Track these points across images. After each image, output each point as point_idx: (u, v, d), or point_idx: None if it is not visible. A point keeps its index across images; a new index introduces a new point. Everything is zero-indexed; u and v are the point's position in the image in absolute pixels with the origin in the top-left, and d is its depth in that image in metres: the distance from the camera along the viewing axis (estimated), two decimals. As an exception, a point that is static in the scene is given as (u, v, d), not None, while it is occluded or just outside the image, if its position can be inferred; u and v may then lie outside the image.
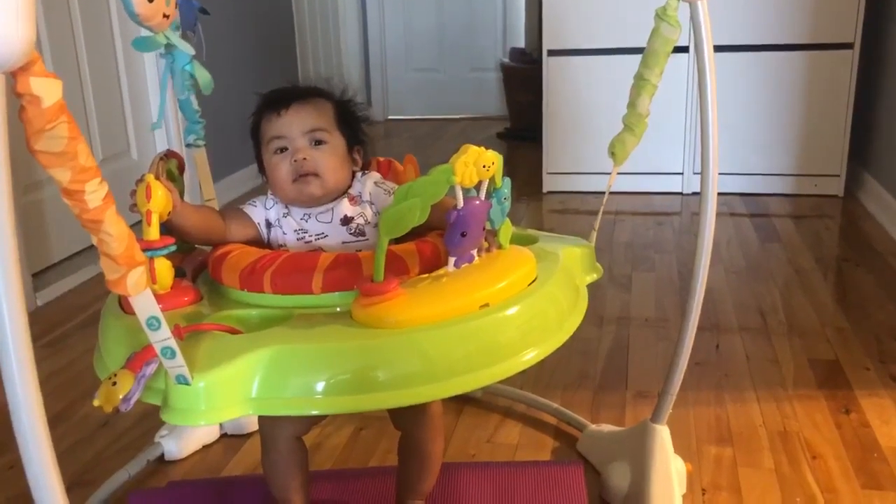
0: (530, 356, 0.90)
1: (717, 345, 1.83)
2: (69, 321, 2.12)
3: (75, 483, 1.36)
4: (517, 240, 1.03)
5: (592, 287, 1.12)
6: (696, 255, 1.15)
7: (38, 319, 2.12)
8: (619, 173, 1.18)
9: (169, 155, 1.13)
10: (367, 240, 1.06)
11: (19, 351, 0.61)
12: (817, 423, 1.49)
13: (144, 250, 0.89)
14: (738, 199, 3.02)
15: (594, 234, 1.20)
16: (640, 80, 1.10)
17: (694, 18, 1.05)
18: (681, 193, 3.17)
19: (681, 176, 3.18)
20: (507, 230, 0.97)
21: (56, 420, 1.58)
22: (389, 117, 5.35)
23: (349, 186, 1.08)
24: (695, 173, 3.12)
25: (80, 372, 1.80)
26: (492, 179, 0.90)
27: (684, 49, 2.99)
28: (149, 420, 1.52)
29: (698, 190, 1.14)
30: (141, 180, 0.94)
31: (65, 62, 2.49)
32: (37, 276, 2.30)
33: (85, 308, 2.18)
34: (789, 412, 1.53)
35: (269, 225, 1.08)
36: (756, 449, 1.42)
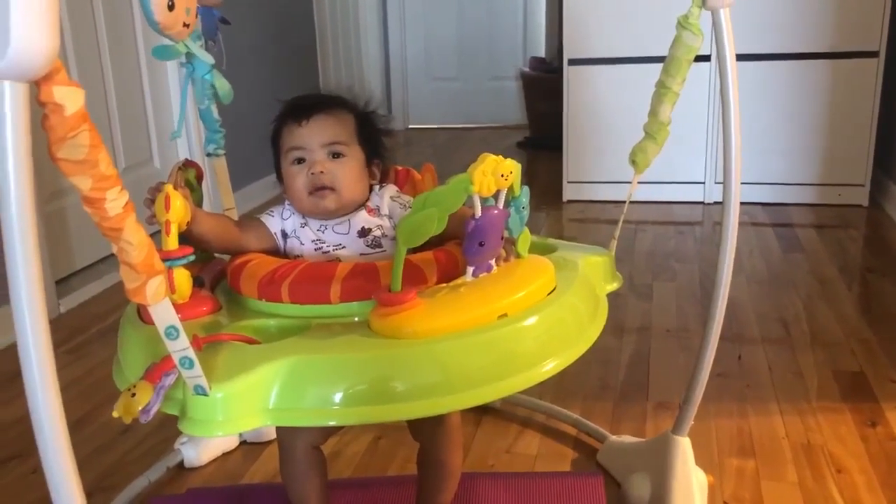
0: (550, 367, 0.90)
1: (740, 355, 1.81)
2: (91, 328, 2.13)
3: (96, 488, 1.36)
4: (536, 249, 1.02)
5: (613, 296, 1.11)
6: (718, 264, 1.13)
7: (61, 326, 2.14)
8: (639, 182, 1.17)
9: (187, 164, 1.13)
10: (384, 251, 1.05)
11: (41, 359, 0.61)
12: (842, 437, 1.47)
13: (163, 260, 0.89)
14: (761, 208, 2.99)
15: (614, 243, 1.19)
16: (661, 88, 1.10)
17: (716, 26, 1.04)
18: (702, 203, 3.14)
19: (702, 185, 3.16)
20: (525, 239, 0.96)
21: (77, 426, 1.59)
22: (410, 126, 5.36)
23: (367, 199, 1.08)
24: (716, 183, 3.10)
25: (101, 378, 1.81)
26: (510, 188, 0.89)
27: (706, 58, 2.98)
28: (168, 427, 1.53)
29: (720, 199, 1.13)
30: (157, 189, 0.95)
31: (89, 71, 2.52)
32: (60, 284, 2.33)
33: (107, 315, 2.19)
34: (813, 425, 1.51)
35: (285, 235, 1.08)
36: (779, 462, 1.40)
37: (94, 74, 2.55)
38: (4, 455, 1.51)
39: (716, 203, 3.07)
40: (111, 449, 1.52)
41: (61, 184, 2.33)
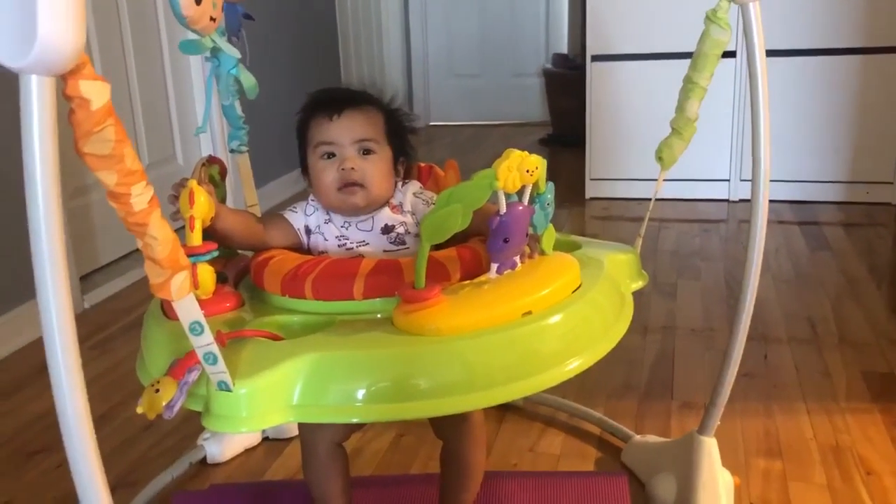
0: (574, 366, 0.89)
1: (766, 355, 1.79)
2: (115, 323, 2.15)
3: (120, 484, 1.37)
4: (560, 246, 1.01)
5: (637, 295, 1.09)
6: (746, 263, 1.12)
7: (85, 322, 2.16)
8: (665, 180, 1.15)
9: (211, 160, 1.13)
10: (407, 248, 1.05)
11: (67, 354, 0.61)
12: (871, 438, 1.44)
13: (187, 256, 0.89)
14: (787, 206, 2.96)
15: (639, 241, 1.18)
16: (688, 84, 1.08)
17: (745, 21, 1.03)
18: (727, 200, 3.11)
19: (727, 183, 3.12)
20: (550, 236, 0.95)
21: (101, 421, 1.60)
22: (431, 123, 5.35)
23: (391, 196, 1.08)
24: (742, 180, 3.07)
25: (125, 374, 1.82)
26: (535, 184, 0.88)
27: (731, 54, 2.95)
28: (192, 423, 1.53)
29: (745, 197, 1.12)
30: (181, 185, 0.95)
31: (113, 67, 2.53)
32: (84, 279, 2.34)
33: (130, 311, 2.21)
34: (842, 426, 1.49)
35: (308, 231, 1.08)
36: (807, 463, 1.38)
37: (119, 71, 2.57)
38: (31, 449, 1.53)
39: (741, 201, 3.04)
40: (135, 444, 1.53)
41: (85, 180, 2.34)
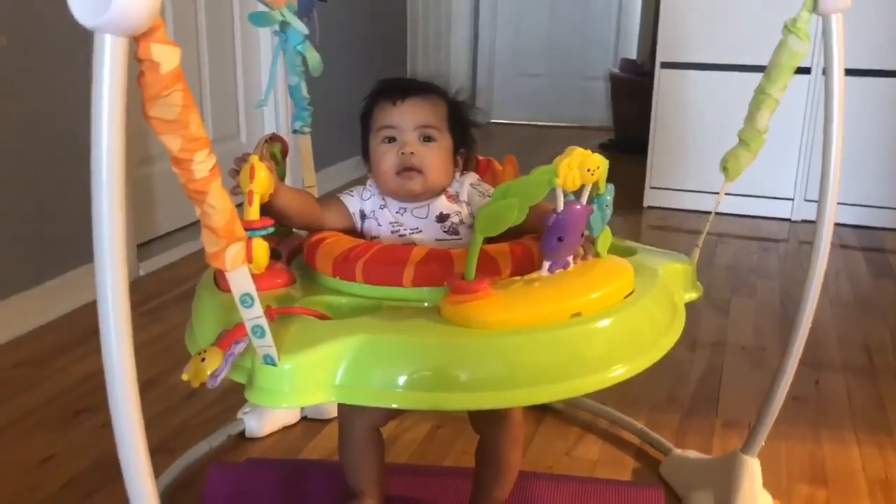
0: (619, 372, 0.87)
1: (817, 380, 1.74)
2: (168, 292, 2.19)
3: (159, 449, 1.39)
4: (615, 250, 1.00)
5: (688, 309, 1.07)
6: (805, 283, 1.09)
7: (139, 288, 2.20)
8: (726, 194, 1.13)
9: (273, 138, 1.14)
10: (460, 239, 1.04)
11: (118, 320, 0.61)
12: (923, 475, 1.39)
13: (243, 229, 0.90)
14: (851, 230, 2.87)
15: (696, 251, 1.15)
16: (760, 94, 1.05)
17: (826, 34, 1.00)
18: (789, 220, 3.03)
19: (791, 202, 3.04)
20: (606, 239, 0.94)
21: (147, 387, 1.63)
22: (492, 120, 5.33)
23: (448, 185, 1.07)
24: (806, 200, 2.99)
25: (173, 343, 1.85)
26: (595, 184, 0.87)
27: (806, 70, 2.88)
28: (233, 396, 1.55)
29: (809, 218, 1.09)
30: (242, 159, 0.96)
31: (185, 39, 2.58)
32: (141, 247, 2.40)
33: (184, 281, 2.25)
34: (893, 460, 1.44)
35: (363, 216, 1.08)
36: (853, 495, 1.34)
37: (190, 44, 2.61)
38: (77, 407, 1.57)
39: (804, 221, 2.96)
40: (177, 412, 1.55)
41: (150, 150, 2.39)
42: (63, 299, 1.99)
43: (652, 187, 3.20)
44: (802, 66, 1.02)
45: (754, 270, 2.48)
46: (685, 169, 3.12)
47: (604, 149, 4.40)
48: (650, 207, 3.18)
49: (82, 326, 1.94)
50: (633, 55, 4.86)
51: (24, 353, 1.82)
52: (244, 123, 2.91)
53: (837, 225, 2.49)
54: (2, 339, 1.85)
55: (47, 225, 1.98)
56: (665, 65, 3.08)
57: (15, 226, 1.90)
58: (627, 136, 4.25)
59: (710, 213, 1.16)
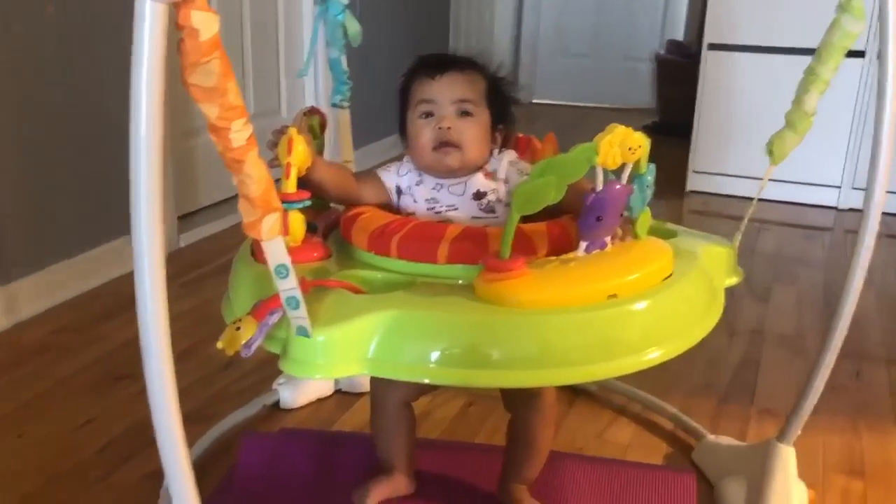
0: (654, 356, 0.86)
1: (858, 372, 1.71)
2: (208, 264, 2.22)
3: (194, 417, 1.42)
4: (655, 232, 0.98)
5: (728, 296, 1.05)
6: (848, 273, 1.06)
7: (179, 259, 2.23)
8: (771, 180, 1.10)
9: (312, 111, 1.14)
10: (496, 217, 1.03)
11: (155, 291, 0.63)
12: (964, 472, 1.36)
13: (280, 202, 0.90)
14: (900, 220, 2.80)
15: (738, 236, 1.13)
16: (810, 76, 1.02)
17: (882, 15, 0.96)
18: (835, 208, 2.97)
19: (838, 190, 2.97)
20: (645, 220, 0.92)
21: (183, 356, 1.65)
22: (534, 100, 5.29)
23: (486, 162, 1.06)
24: (854, 188, 2.92)
25: (211, 313, 1.86)
26: (636, 164, 0.85)
27: (860, 54, 2.80)
28: (269, 367, 1.57)
29: (856, 206, 1.07)
30: (280, 132, 0.96)
31: (228, 12, 2.59)
32: (182, 219, 2.43)
33: (223, 253, 2.28)
34: (933, 454, 1.41)
35: (399, 191, 1.08)
36: (892, 487, 1.31)
37: (233, 17, 2.62)
38: (118, 373, 1.60)
39: (851, 210, 2.89)
40: (213, 381, 1.58)
41: (193, 122, 2.42)
42: (108, 267, 2.03)
43: (695, 171, 3.15)
44: (856, 49, 0.99)
45: (797, 259, 2.44)
46: (729, 153, 3.07)
47: (647, 131, 4.30)
48: (692, 192, 3.13)
49: (126, 294, 1.96)
50: (679, 36, 4.77)
51: (68, 319, 1.86)
52: (285, 98, 2.93)
53: (886, 214, 2.43)
54: (46, 305, 1.89)
55: (94, 193, 2.02)
56: (712, 46, 3.02)
57: (61, 194, 1.94)
58: (671, 119, 4.19)
59: (752, 198, 1.14)
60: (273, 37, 2.84)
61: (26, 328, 1.80)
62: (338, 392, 1.54)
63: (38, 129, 1.86)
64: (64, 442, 1.37)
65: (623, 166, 0.84)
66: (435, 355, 0.81)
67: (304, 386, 1.49)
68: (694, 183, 3.15)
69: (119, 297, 1.96)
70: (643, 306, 0.86)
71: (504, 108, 1.09)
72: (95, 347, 1.71)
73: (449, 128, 1.02)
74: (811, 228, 2.77)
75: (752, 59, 2.97)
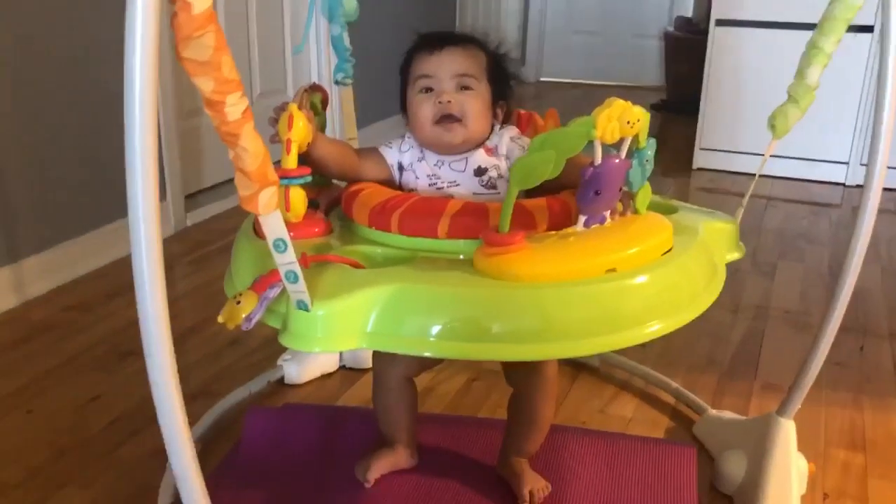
0: (654, 329, 0.86)
1: (862, 347, 1.71)
2: (214, 243, 2.23)
3: (200, 392, 1.43)
4: (655, 207, 0.98)
5: (732, 272, 1.05)
6: (850, 245, 1.06)
7: (186, 238, 2.25)
8: (777, 156, 1.10)
9: (314, 88, 1.14)
10: (498, 193, 1.04)
11: (152, 273, 0.64)
12: (966, 446, 1.37)
13: (281, 178, 0.91)
14: (909, 196, 2.79)
15: (740, 211, 1.13)
16: (812, 49, 1.02)
17: (884, -15, 0.95)
18: (843, 185, 2.96)
19: (846, 166, 2.96)
20: (645, 195, 0.92)
21: (191, 332, 1.67)
22: (542, 79, 5.27)
23: (486, 138, 1.06)
24: (862, 164, 2.90)
25: (219, 291, 1.86)
26: (635, 138, 0.85)
27: (868, 28, 2.77)
28: (274, 343, 1.57)
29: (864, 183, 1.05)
30: (281, 108, 0.96)
31: (235, 1, 2.59)
32: (189, 198, 2.44)
33: (230, 232, 2.26)
34: (935, 429, 1.41)
35: (401, 168, 1.08)
36: (892, 461, 1.32)
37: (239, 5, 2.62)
38: (124, 350, 1.61)
39: (858, 186, 2.87)
40: (219, 357, 1.59)
41: (198, 102, 2.41)
42: (114, 246, 2.04)
43: (702, 148, 3.13)
44: (865, 24, 0.99)
45: (803, 235, 2.43)
46: (737, 130, 3.05)
47: (655, 109, 4.31)
48: (700, 169, 3.12)
49: (131, 273, 1.99)
50: (688, 13, 4.73)
51: (75, 297, 1.87)
52: (291, 77, 2.92)
53: (895, 190, 2.39)
54: (53, 284, 1.91)
55: (100, 173, 2.03)
56: (720, 22, 3.00)
57: (67, 173, 1.95)
58: (680, 97, 4.16)
59: (761, 175, 1.13)
60: (278, 17, 2.84)
61: (34, 306, 1.82)
62: (343, 368, 1.56)
63: (45, 112, 1.87)
64: (71, 418, 1.39)
65: (622, 140, 0.84)
66: (434, 329, 0.81)
67: (309, 362, 1.51)
68: (701, 160, 3.14)
69: (124, 276, 1.95)
70: (642, 281, 0.86)
71: (505, 84, 1.09)
72: (102, 325, 1.73)
73: (449, 101, 1.02)
74: (818, 205, 2.76)
75: (760, 34, 2.95)
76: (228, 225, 2.36)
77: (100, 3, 1.95)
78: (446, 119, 1.02)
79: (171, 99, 2.25)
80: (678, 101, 4.19)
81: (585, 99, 4.58)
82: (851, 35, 1.01)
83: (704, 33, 3.15)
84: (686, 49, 4.10)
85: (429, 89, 1.04)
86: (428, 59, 1.04)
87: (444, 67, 1.03)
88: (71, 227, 1.97)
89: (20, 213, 1.83)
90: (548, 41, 5.28)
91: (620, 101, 0.81)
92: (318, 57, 1.37)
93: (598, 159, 0.83)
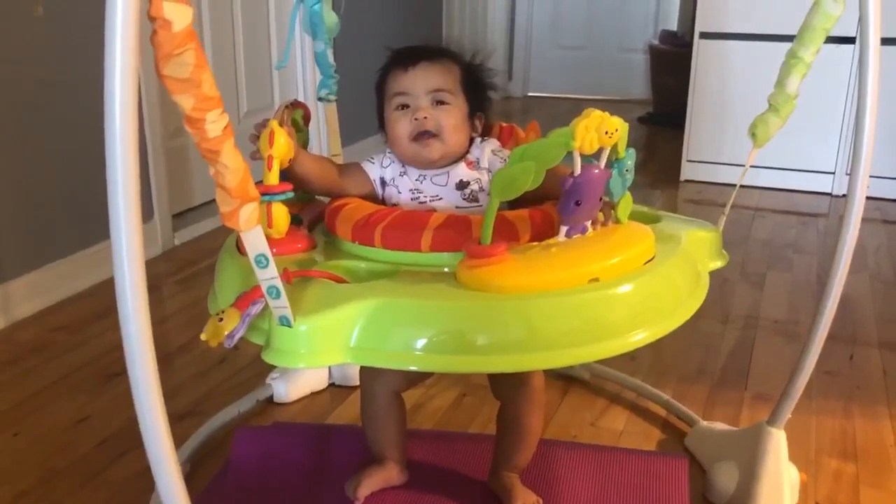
0: (639, 337, 0.86)
1: (852, 355, 1.71)
2: (202, 261, 2.22)
3: (190, 412, 1.42)
4: (639, 217, 0.99)
5: (720, 282, 1.06)
6: (835, 253, 1.07)
7: (175, 257, 2.24)
8: (764, 167, 1.11)
9: (295, 105, 1.14)
10: (480, 206, 1.04)
11: (135, 295, 0.64)
12: (957, 452, 1.37)
13: (263, 194, 0.91)
14: (895, 205, 2.80)
15: (723, 219, 1.14)
16: (792, 58, 1.03)
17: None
18: (830, 194, 2.97)
19: (832, 176, 2.97)
20: (626, 204, 0.93)
21: (179, 352, 1.66)
22: (529, 94, 5.29)
23: (467, 151, 1.07)
24: (848, 174, 2.91)
25: (206, 310, 1.87)
26: (614, 148, 0.86)
27: (851, 40, 2.79)
28: (263, 362, 1.55)
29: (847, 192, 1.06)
30: (262, 125, 0.96)
31: (220, 16, 2.59)
32: (177, 217, 2.43)
33: (218, 251, 2.26)
34: (925, 436, 1.41)
35: (384, 183, 1.08)
36: (883, 469, 1.32)
37: (224, 16, 2.62)
38: (113, 371, 1.60)
39: (845, 196, 2.88)
40: (208, 376, 1.58)
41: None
42: (100, 266, 2.03)
43: (689, 160, 3.14)
44: (847, 35, 0.99)
45: (791, 245, 2.44)
46: (723, 142, 3.07)
47: (643, 122, 4.34)
48: (687, 181, 3.13)
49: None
50: (673, 26, 4.77)
51: (63, 318, 1.86)
52: (278, 95, 2.93)
53: (881, 200, 2.43)
54: (42, 305, 1.90)
55: (85, 193, 2.02)
56: (704, 35, 3.02)
57: (53, 194, 1.94)
58: (667, 110, 4.19)
59: (748, 186, 1.14)
60: (265, 35, 2.84)
61: (22, 327, 1.81)
62: (332, 385, 1.55)
63: (32, 133, 1.87)
64: (60, 439, 1.37)
65: (601, 150, 0.84)
66: (420, 342, 0.81)
67: (298, 380, 1.50)
68: (688, 172, 3.15)
69: (111, 297, 1.94)
70: (625, 290, 0.86)
71: (481, 95, 1.09)
72: (90, 346, 1.72)
73: (425, 118, 1.02)
74: (806, 215, 2.77)
75: (743, 46, 2.97)
76: (217, 243, 2.33)
77: (84, 25, 1.95)
78: (423, 135, 1.02)
79: (158, 117, 2.25)
80: (665, 113, 4.21)
81: (573, 113, 4.51)
82: (835, 46, 1.02)
83: (689, 46, 3.17)
84: (671, 62, 4.13)
85: (404, 106, 1.04)
86: (403, 75, 1.04)
87: (419, 83, 1.03)
88: (58, 247, 1.96)
89: (7, 234, 1.82)
90: (534, 56, 5.31)
91: (597, 112, 0.81)
92: (304, 72, 1.37)
93: (578, 169, 0.83)
